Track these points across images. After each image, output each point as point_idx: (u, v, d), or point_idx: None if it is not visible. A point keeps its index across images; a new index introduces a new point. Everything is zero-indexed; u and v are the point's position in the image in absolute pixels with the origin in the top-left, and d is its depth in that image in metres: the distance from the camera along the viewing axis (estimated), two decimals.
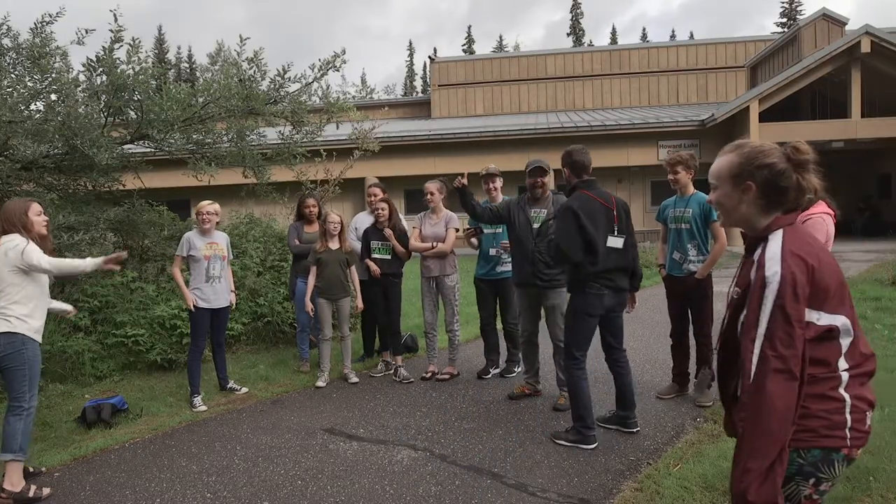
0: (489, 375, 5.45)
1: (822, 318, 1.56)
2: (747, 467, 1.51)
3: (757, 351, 1.54)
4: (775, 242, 1.62)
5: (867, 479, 3.19)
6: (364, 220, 6.01)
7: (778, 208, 1.68)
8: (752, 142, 1.74)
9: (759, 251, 1.65)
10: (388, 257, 5.51)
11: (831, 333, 1.59)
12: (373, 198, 5.79)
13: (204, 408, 4.92)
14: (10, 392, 3.49)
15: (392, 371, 5.62)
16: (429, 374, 5.49)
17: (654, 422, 4.27)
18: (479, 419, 4.44)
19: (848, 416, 1.61)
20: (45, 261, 3.47)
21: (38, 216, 3.61)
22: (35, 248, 3.50)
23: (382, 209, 5.52)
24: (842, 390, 1.61)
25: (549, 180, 4.89)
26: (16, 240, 3.49)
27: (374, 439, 4.12)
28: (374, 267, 5.48)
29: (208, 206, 5.14)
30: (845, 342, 1.62)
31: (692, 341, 4.75)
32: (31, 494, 3.40)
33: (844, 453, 1.62)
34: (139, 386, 5.56)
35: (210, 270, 5.05)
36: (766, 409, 1.50)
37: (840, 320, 1.59)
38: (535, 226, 4.68)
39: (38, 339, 3.57)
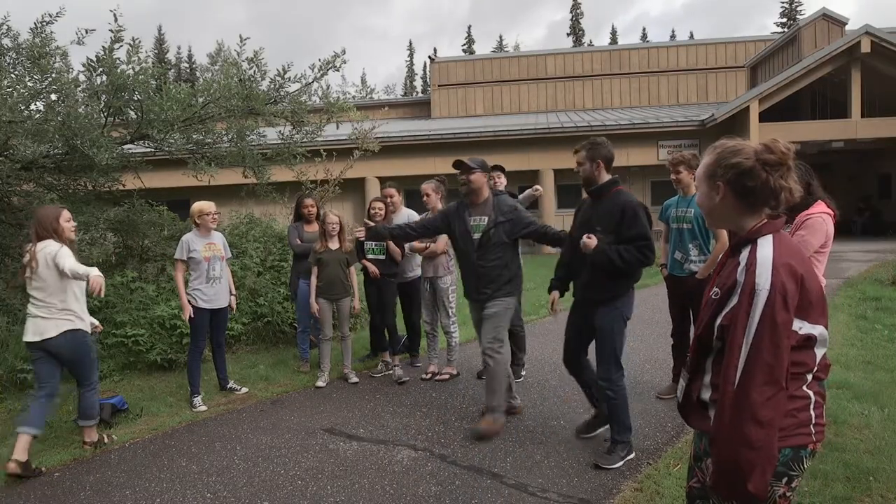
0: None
1: (804, 328, 1.57)
2: (727, 471, 1.53)
3: (743, 358, 1.53)
4: (766, 248, 1.59)
5: (867, 479, 3.19)
6: None
7: (756, 209, 1.66)
8: (727, 142, 1.73)
9: (745, 253, 1.63)
10: (383, 257, 5.48)
11: (809, 342, 1.59)
12: (388, 199, 5.74)
13: (204, 408, 4.93)
14: (82, 378, 4.04)
15: (391, 371, 5.62)
16: (429, 375, 5.49)
17: (654, 422, 4.27)
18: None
19: (812, 413, 1.63)
20: (68, 267, 3.76)
21: (67, 222, 3.95)
22: (66, 252, 3.83)
23: (379, 209, 5.50)
24: (805, 388, 1.63)
25: (479, 178, 4.16)
26: (51, 245, 3.83)
27: (374, 439, 4.12)
28: (371, 268, 5.47)
29: (212, 206, 5.16)
30: (820, 352, 1.63)
31: None
32: (106, 441, 4.19)
33: (810, 448, 1.64)
34: (139, 386, 5.56)
35: (210, 272, 5.04)
36: (750, 419, 1.50)
37: (818, 330, 1.60)
38: (476, 236, 4.12)
39: (89, 330, 4.07)
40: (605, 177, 3.63)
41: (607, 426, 3.82)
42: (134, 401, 5.04)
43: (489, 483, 3.40)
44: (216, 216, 5.16)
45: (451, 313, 5.48)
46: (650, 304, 8.95)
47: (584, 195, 3.81)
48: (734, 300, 1.59)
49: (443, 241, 5.37)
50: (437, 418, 4.48)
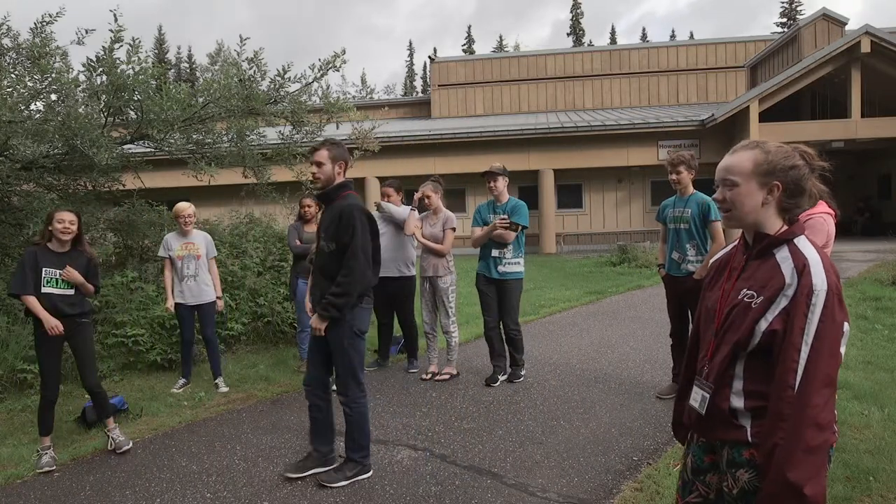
0: (497, 383, 5.25)
1: None
2: (792, 478, 1.46)
3: (803, 361, 1.49)
4: (809, 248, 1.59)
5: (867, 479, 3.19)
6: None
7: (791, 210, 1.67)
8: (770, 141, 1.71)
9: (785, 254, 1.61)
10: (71, 292, 4.01)
11: None
12: (386, 198, 5.72)
13: (179, 391, 5.29)
14: None
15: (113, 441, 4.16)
16: (429, 375, 5.48)
17: (654, 422, 4.27)
18: (479, 419, 4.43)
19: (835, 410, 1.62)
20: None
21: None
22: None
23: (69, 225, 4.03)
24: None
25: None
26: None
27: (374, 439, 4.11)
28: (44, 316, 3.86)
29: (188, 208, 5.40)
30: (843, 350, 1.62)
31: None
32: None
33: (833, 445, 1.62)
34: (139, 386, 5.56)
35: (184, 270, 5.35)
36: (810, 423, 1.46)
37: (845, 326, 1.59)
38: None
39: None
40: (340, 180, 3.43)
41: (324, 468, 3.55)
42: (134, 401, 5.04)
43: (489, 483, 3.40)
44: (189, 219, 5.38)
45: (450, 313, 5.47)
46: (649, 304, 8.95)
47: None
48: (783, 302, 1.54)
49: (448, 242, 5.37)
50: (437, 418, 4.48)
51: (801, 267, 1.55)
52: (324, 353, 3.53)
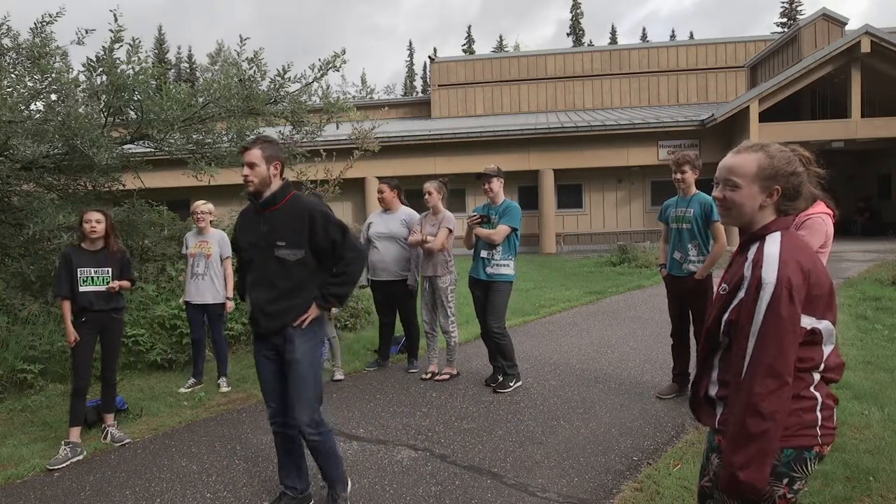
0: (497, 383, 5.19)
1: (810, 322, 1.58)
2: (732, 461, 1.55)
3: (750, 350, 1.55)
4: (773, 244, 1.62)
5: (867, 479, 3.19)
6: (374, 219, 5.90)
7: (786, 212, 1.70)
8: (773, 144, 1.73)
9: (753, 250, 1.65)
10: (102, 288, 4.17)
11: (814, 337, 1.60)
12: (381, 193, 5.79)
13: (187, 390, 5.35)
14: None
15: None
16: (429, 375, 5.48)
17: (654, 422, 4.27)
18: (479, 419, 4.43)
19: (818, 414, 1.64)
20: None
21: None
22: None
23: (95, 225, 4.14)
24: (812, 389, 1.63)
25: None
26: None
27: (374, 439, 4.12)
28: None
29: (202, 205, 5.49)
30: (827, 349, 1.63)
31: (693, 341, 4.76)
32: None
33: (816, 451, 1.64)
34: (139, 386, 5.56)
35: (194, 268, 5.40)
36: (752, 411, 1.52)
37: (824, 325, 1.61)
38: None
39: None
40: (279, 182, 3.02)
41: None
42: (134, 401, 5.04)
43: (489, 483, 3.40)
44: (202, 214, 5.44)
45: (449, 313, 5.46)
46: (649, 304, 8.96)
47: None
48: (741, 294, 1.61)
49: (440, 238, 5.36)
50: (437, 418, 4.48)
51: (756, 261, 1.60)
52: (282, 377, 3.03)
